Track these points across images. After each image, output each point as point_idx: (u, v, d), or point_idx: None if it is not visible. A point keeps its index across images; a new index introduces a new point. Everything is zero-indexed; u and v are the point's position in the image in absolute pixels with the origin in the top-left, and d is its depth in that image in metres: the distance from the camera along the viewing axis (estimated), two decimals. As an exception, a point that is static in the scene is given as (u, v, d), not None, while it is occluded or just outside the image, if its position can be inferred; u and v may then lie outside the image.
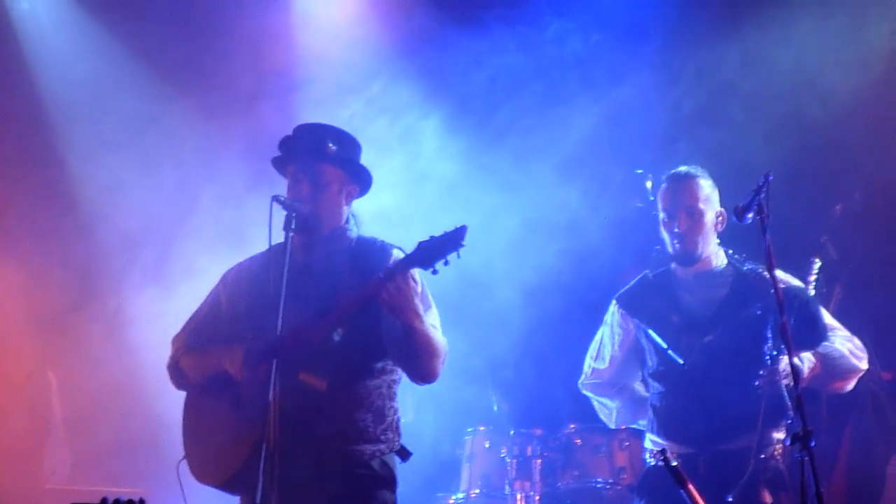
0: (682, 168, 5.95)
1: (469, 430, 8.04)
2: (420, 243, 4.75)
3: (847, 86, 7.88)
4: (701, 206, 5.83)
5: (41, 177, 8.77)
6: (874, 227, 7.88)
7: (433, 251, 4.71)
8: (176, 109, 8.78)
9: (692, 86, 8.20)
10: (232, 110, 8.63)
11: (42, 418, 8.48)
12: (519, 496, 7.65)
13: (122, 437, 8.34)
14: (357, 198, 5.29)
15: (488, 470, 7.87)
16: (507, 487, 7.72)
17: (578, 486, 7.56)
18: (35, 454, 8.37)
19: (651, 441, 5.95)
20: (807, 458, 4.28)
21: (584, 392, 6.35)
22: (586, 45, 8.49)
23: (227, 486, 4.97)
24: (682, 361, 5.79)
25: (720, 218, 5.88)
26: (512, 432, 7.84)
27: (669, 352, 5.84)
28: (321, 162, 5.13)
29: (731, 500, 5.40)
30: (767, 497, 5.48)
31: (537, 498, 7.63)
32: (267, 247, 4.93)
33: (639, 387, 6.21)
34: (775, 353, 5.47)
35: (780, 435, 5.65)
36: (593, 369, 6.24)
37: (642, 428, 6.19)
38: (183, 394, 5.28)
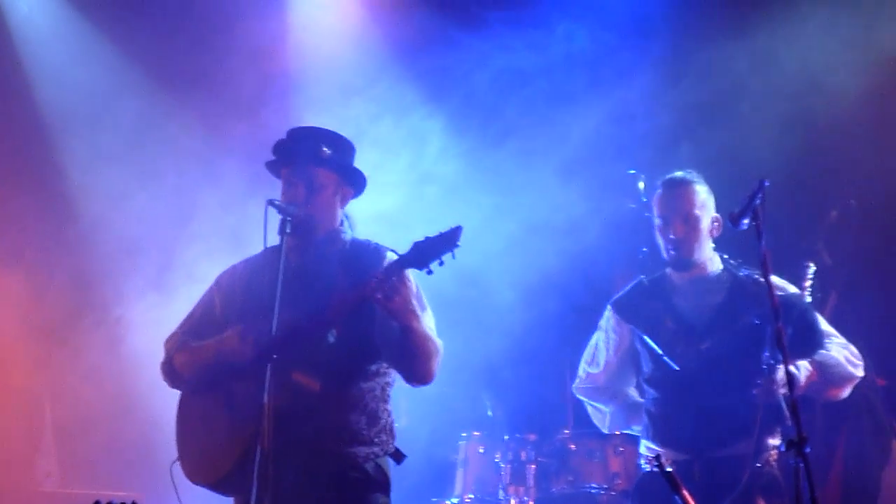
0: (678, 173, 5.94)
1: (463, 434, 8.03)
2: (415, 243, 4.75)
3: (855, 88, 7.86)
4: (697, 212, 5.82)
5: (41, 185, 8.75)
6: (869, 232, 7.87)
7: (428, 251, 4.71)
8: (176, 115, 8.77)
9: (697, 86, 8.18)
10: (232, 115, 8.60)
11: (37, 422, 8.46)
12: (513, 501, 7.63)
13: (117, 441, 8.33)
14: (351, 200, 5.29)
15: (482, 475, 7.87)
16: (501, 492, 7.71)
17: (573, 491, 7.55)
18: (30, 458, 8.36)
19: (646, 447, 5.95)
20: (802, 465, 4.27)
21: (578, 396, 6.35)
22: (591, 45, 8.46)
23: (218, 485, 4.97)
24: (677, 368, 5.79)
25: (716, 224, 5.87)
26: (506, 437, 7.83)
27: (665, 358, 5.83)
28: (316, 165, 5.13)
29: (725, 508, 5.39)
30: (762, 504, 5.49)
31: (531, 503, 7.62)
32: (258, 249, 4.94)
33: (633, 392, 6.20)
34: (772, 361, 5.47)
35: (775, 442, 5.65)
36: (588, 374, 6.24)
37: (636, 433, 6.18)
38: (178, 395, 5.28)
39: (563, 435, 7.69)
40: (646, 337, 5.93)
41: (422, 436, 7.96)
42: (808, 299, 5.85)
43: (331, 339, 4.89)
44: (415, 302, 4.94)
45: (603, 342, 6.17)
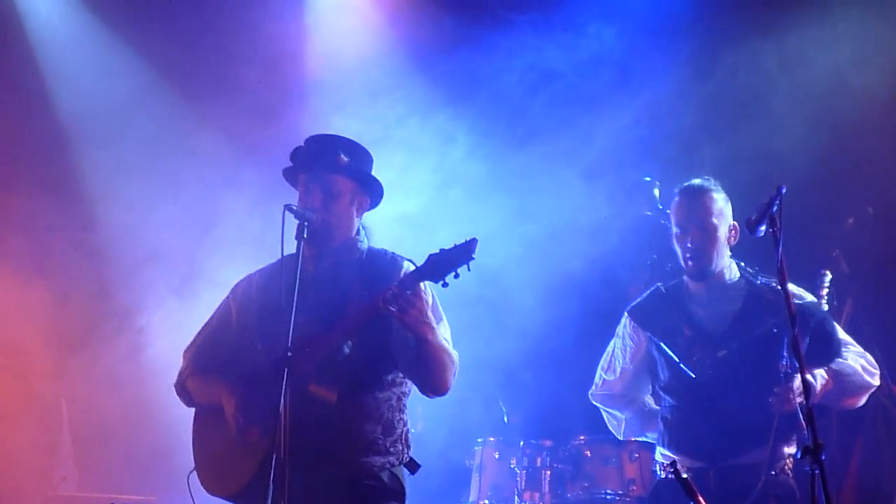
0: (696, 181, 5.92)
1: (479, 440, 8.02)
2: (430, 256, 4.76)
3: (883, 91, 7.83)
4: (714, 220, 5.81)
5: (64, 193, 8.75)
6: (886, 240, 7.85)
7: (443, 264, 4.71)
8: (198, 122, 8.75)
9: (724, 85, 8.16)
10: (256, 120, 8.57)
11: (56, 427, 8.48)
12: (528, 507, 7.64)
13: (134, 447, 8.34)
14: (368, 210, 5.29)
15: (498, 480, 7.85)
16: (516, 498, 7.70)
17: (588, 497, 7.53)
18: (47, 463, 8.38)
19: (661, 454, 5.94)
20: (817, 472, 4.27)
21: (595, 403, 6.35)
22: (620, 44, 8.43)
23: (237, 497, 4.98)
24: (693, 375, 5.78)
25: (733, 231, 5.86)
26: (522, 443, 7.82)
27: (681, 365, 5.83)
28: (333, 173, 5.13)
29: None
30: (775, 514, 5.48)
31: (546, 509, 7.62)
32: (278, 257, 4.94)
33: (649, 400, 6.21)
34: (789, 370, 5.46)
35: (791, 450, 5.64)
36: (604, 381, 6.24)
37: (651, 440, 6.18)
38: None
39: (579, 441, 7.67)
40: (662, 344, 5.92)
41: (437, 441, 7.95)
42: (825, 307, 5.83)
43: (346, 349, 4.89)
44: (430, 314, 4.93)
45: (620, 349, 6.17)
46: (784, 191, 4.72)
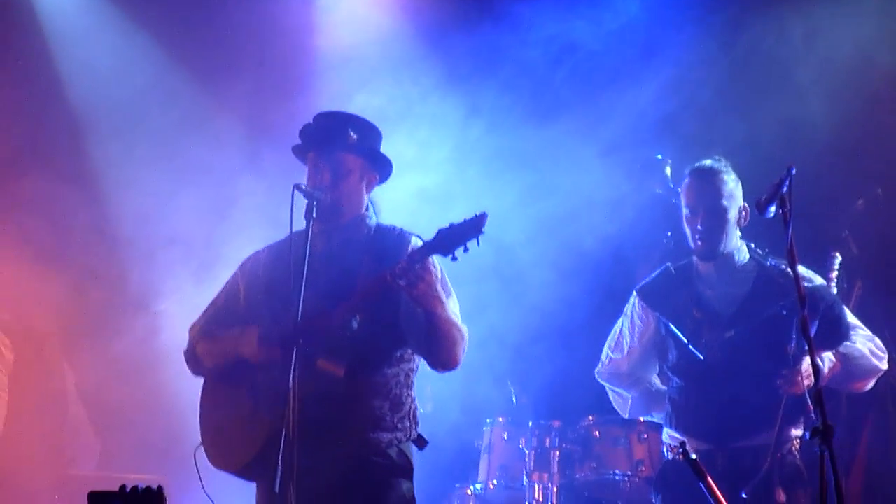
0: (707, 162, 5.89)
1: (488, 421, 8.03)
2: (439, 230, 4.76)
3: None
4: (724, 202, 5.78)
5: (83, 180, 8.74)
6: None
7: (453, 238, 4.71)
8: (216, 105, 8.71)
9: (748, 60, 8.13)
10: (273, 100, 8.54)
11: (66, 410, 8.50)
12: (537, 487, 7.64)
13: (147, 428, 8.36)
14: (377, 185, 5.30)
15: (506, 461, 7.87)
16: (525, 479, 7.71)
17: (596, 477, 7.55)
18: (60, 443, 8.40)
19: (669, 435, 5.94)
20: (826, 453, 4.26)
21: (601, 381, 6.34)
22: (645, 17, 8.39)
23: (243, 471, 5.00)
24: (702, 357, 5.78)
25: (743, 213, 5.84)
26: (530, 423, 7.83)
27: (690, 347, 5.82)
28: (342, 150, 5.14)
29: (744, 496, 5.38)
30: (781, 496, 5.47)
31: (555, 489, 7.62)
32: (286, 234, 4.95)
33: (655, 380, 6.19)
34: (797, 353, 5.45)
35: (798, 432, 5.65)
36: (611, 359, 6.22)
37: (657, 421, 6.18)
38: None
39: (588, 421, 7.68)
40: (671, 325, 5.92)
41: (446, 421, 7.94)
42: (835, 290, 5.82)
43: (355, 325, 4.89)
44: (439, 288, 4.96)
45: (627, 328, 6.16)
46: (794, 171, 4.69)
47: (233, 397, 5.05)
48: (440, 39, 8.68)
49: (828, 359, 5.59)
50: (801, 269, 5.08)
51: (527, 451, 7.74)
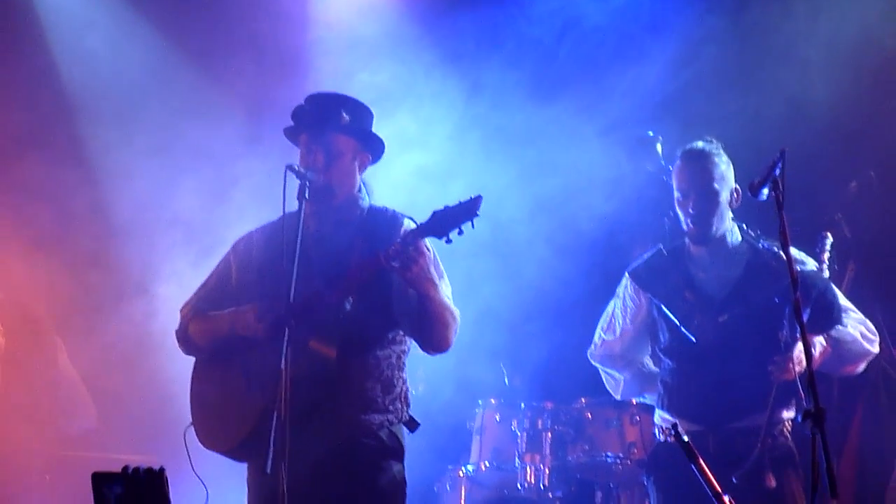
0: (698, 144, 5.88)
1: (480, 402, 8.03)
2: (434, 212, 4.74)
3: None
4: (716, 185, 5.77)
5: (81, 165, 8.71)
6: (889, 204, 7.82)
7: (447, 221, 4.70)
8: (217, 87, 8.68)
9: (751, 37, 8.11)
10: (274, 81, 8.48)
11: (59, 391, 8.48)
12: (529, 469, 7.64)
13: (144, 410, 8.36)
14: (370, 166, 5.29)
15: (499, 443, 7.88)
16: (517, 460, 7.72)
17: (588, 459, 7.57)
18: (57, 423, 8.38)
19: (661, 417, 5.95)
20: (818, 435, 4.26)
21: (593, 362, 6.33)
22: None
23: (234, 452, 5.00)
24: (694, 339, 5.78)
25: (735, 195, 5.84)
26: (523, 405, 7.83)
27: (682, 329, 5.83)
28: (335, 132, 5.13)
29: (735, 481, 5.38)
30: (771, 481, 5.48)
31: (547, 471, 7.62)
32: (279, 216, 4.94)
33: (648, 361, 6.19)
34: (789, 337, 5.46)
35: (789, 414, 5.65)
36: (603, 341, 6.22)
37: (650, 402, 6.19)
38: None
39: (580, 403, 7.70)
40: (663, 307, 5.92)
41: (438, 403, 7.95)
42: (826, 273, 5.82)
43: (347, 306, 4.89)
44: (432, 270, 4.96)
45: (620, 310, 6.15)
46: (786, 153, 4.68)
47: (224, 377, 5.04)
48: (443, 16, 8.63)
49: (819, 343, 5.59)
50: (794, 251, 5.10)
51: (519, 433, 7.74)
